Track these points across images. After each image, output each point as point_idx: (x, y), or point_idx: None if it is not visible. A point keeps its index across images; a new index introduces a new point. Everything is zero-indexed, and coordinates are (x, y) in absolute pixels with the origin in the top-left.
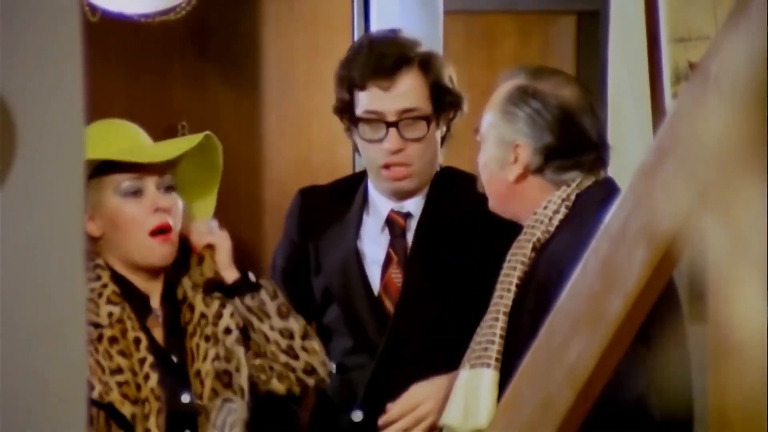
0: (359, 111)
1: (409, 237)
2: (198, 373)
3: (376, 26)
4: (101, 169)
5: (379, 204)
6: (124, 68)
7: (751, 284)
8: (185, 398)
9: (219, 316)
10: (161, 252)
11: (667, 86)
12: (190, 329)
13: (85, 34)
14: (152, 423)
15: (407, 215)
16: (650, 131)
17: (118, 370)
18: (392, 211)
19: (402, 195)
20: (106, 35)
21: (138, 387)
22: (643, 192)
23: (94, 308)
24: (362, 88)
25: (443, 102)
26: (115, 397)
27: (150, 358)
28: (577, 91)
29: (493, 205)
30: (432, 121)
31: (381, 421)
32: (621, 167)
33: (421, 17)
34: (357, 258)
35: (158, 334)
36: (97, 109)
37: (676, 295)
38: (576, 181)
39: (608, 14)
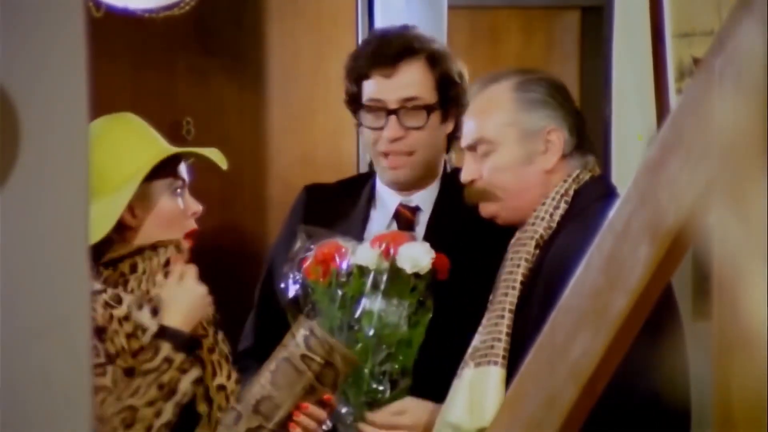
0: (364, 100)
1: (418, 231)
2: (223, 387)
3: (380, 22)
4: (157, 169)
5: (387, 198)
6: (128, 64)
7: (756, 279)
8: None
9: (217, 342)
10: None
11: (671, 82)
12: (208, 343)
13: (90, 29)
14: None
15: (416, 209)
16: (654, 127)
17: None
18: (400, 204)
19: (402, 186)
20: (111, 31)
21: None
22: (647, 187)
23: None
24: (367, 77)
25: (450, 95)
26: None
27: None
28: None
29: (512, 211)
30: (433, 111)
31: (362, 426)
32: (625, 163)
33: (425, 12)
34: None
35: None
36: (102, 104)
37: (671, 293)
38: (573, 175)
39: (612, 10)
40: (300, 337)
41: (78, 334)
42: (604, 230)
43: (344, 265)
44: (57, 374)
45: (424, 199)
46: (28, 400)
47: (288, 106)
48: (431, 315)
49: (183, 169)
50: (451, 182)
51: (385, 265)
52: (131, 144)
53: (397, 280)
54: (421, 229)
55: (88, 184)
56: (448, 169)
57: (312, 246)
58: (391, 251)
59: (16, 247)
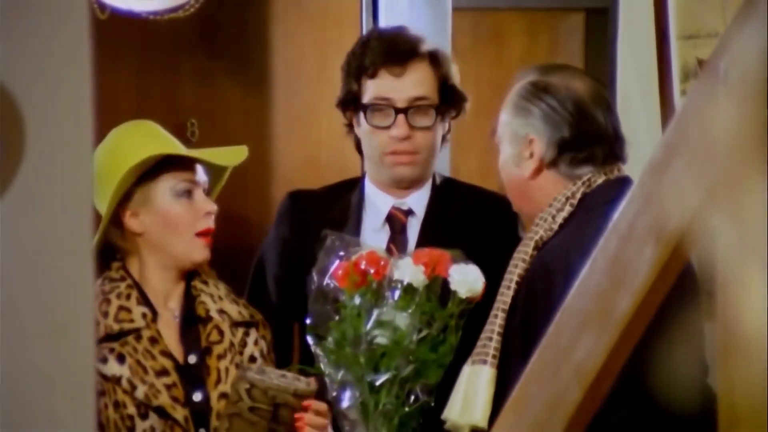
0: (367, 99)
1: (410, 234)
2: (225, 395)
3: (384, 23)
4: (155, 168)
5: (378, 201)
6: (133, 66)
7: (759, 281)
8: (197, 396)
9: (243, 344)
10: (203, 252)
11: (675, 83)
12: (219, 350)
13: (94, 31)
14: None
15: (408, 212)
16: (659, 128)
17: (164, 372)
18: (393, 207)
19: (403, 184)
20: (115, 33)
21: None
22: (651, 189)
23: (126, 312)
24: (373, 75)
25: (450, 97)
26: (165, 401)
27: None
28: (588, 84)
29: (516, 206)
30: (438, 112)
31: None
32: (630, 164)
33: (429, 14)
34: None
35: (172, 333)
36: (106, 106)
37: (695, 286)
38: (583, 179)
39: (617, 11)
40: (243, 392)
41: (81, 336)
42: (608, 232)
43: (387, 278)
44: (61, 377)
45: (417, 201)
46: (31, 402)
47: (292, 108)
48: (460, 334)
49: (199, 169)
50: (443, 189)
51: (436, 286)
52: (129, 146)
53: (449, 303)
54: (413, 232)
55: (92, 186)
56: (438, 181)
57: (342, 253)
58: (436, 270)
59: (20, 248)
